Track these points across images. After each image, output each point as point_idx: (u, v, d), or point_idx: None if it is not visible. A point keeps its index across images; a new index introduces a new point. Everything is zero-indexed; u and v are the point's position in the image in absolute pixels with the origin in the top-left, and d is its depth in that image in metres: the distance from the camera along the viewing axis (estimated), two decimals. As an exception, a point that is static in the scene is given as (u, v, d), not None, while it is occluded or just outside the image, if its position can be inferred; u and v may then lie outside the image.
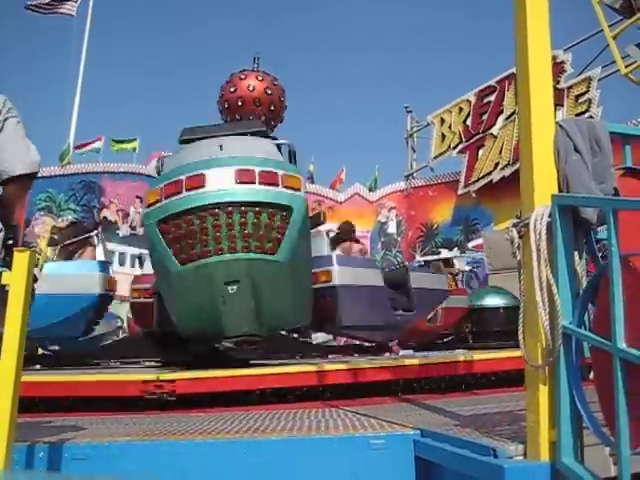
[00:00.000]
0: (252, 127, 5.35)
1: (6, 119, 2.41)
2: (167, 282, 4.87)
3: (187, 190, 4.55)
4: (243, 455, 2.63)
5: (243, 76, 10.64)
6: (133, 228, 18.71)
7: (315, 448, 2.65)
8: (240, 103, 10.45)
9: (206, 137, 5.13)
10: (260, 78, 10.57)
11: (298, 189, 4.71)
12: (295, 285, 4.81)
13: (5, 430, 2.07)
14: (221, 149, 4.78)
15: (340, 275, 6.06)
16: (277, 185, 4.59)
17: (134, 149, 21.66)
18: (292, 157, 5.38)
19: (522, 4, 2.39)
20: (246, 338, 4.70)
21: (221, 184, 4.55)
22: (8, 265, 2.24)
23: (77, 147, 21.32)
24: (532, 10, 2.37)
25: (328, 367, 4.67)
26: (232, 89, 10.60)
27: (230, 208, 4.48)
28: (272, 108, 10.59)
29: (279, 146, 5.27)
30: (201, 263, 4.52)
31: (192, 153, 4.90)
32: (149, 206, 4.74)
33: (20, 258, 2.20)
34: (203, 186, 4.54)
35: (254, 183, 4.55)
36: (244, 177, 4.57)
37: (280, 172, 4.68)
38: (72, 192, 18.18)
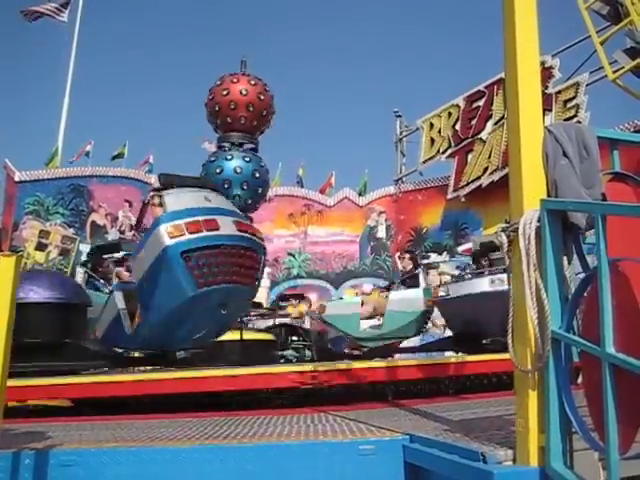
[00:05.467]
0: None
1: None
2: None
3: None
4: (232, 461, 2.61)
5: (227, 80, 10.60)
6: (122, 232, 18.58)
7: (304, 454, 2.63)
8: (224, 107, 10.42)
9: None
10: (244, 80, 10.53)
11: None
12: None
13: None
14: None
15: None
16: None
17: (123, 155, 21.53)
18: None
19: (511, 10, 2.40)
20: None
21: None
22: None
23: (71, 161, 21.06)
24: (521, 16, 2.38)
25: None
26: (216, 94, 10.57)
27: None
28: (257, 111, 10.55)
29: None
30: None
31: None
32: None
33: (6, 263, 2.18)
34: None
35: None
36: None
37: None
38: (60, 196, 18.02)
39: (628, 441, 1.85)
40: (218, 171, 10.06)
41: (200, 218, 5.43)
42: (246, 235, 5.60)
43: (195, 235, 5.33)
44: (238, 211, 6.19)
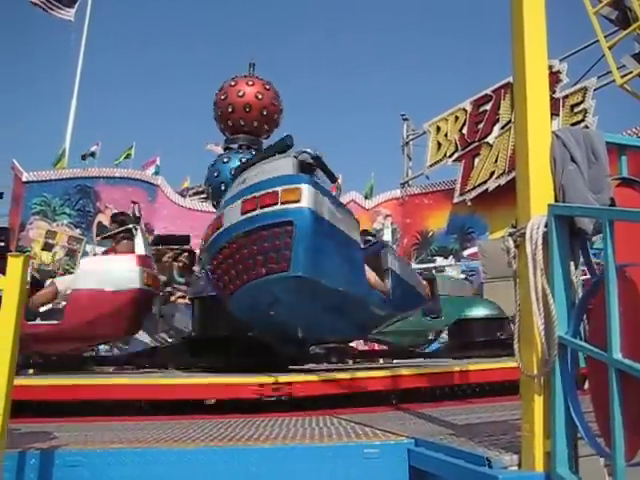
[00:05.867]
0: None
1: None
2: None
3: None
4: (236, 463, 2.61)
5: (233, 83, 10.61)
6: (127, 233, 18.62)
7: (308, 457, 2.63)
8: (231, 110, 10.39)
9: None
10: (251, 83, 10.53)
11: None
12: None
13: (-4, 436, 2.05)
14: None
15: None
16: None
17: (130, 156, 21.63)
18: None
19: (519, 13, 2.40)
20: None
21: None
22: (2, 270, 2.23)
23: (83, 157, 21.13)
24: (529, 19, 2.38)
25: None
26: (223, 96, 10.56)
27: None
28: (264, 113, 10.52)
29: None
30: None
31: None
32: None
33: (14, 263, 2.19)
34: None
35: None
36: None
37: None
38: (67, 197, 18.12)
39: (634, 447, 1.85)
40: (216, 174, 10.07)
41: (214, 221, 4.52)
42: (252, 214, 4.13)
43: (205, 245, 4.64)
44: (285, 173, 4.26)
